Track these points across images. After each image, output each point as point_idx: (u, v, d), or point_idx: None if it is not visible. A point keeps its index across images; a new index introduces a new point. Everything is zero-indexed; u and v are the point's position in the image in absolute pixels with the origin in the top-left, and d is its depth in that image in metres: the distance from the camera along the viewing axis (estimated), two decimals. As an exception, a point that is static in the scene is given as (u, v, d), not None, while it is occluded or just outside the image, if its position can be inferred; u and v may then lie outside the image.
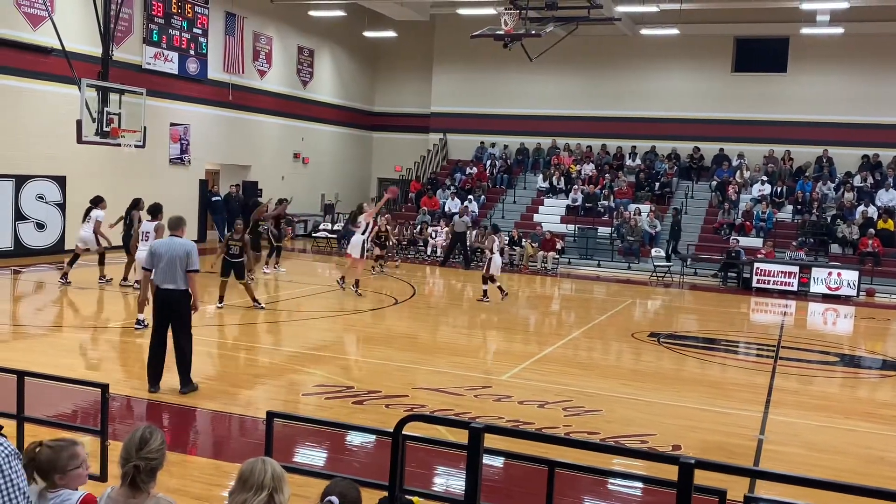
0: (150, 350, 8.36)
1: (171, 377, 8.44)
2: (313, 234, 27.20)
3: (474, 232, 24.10)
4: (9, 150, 18.35)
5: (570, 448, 6.50)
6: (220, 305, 13.47)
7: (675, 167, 27.99)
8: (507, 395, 9.06)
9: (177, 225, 8.70)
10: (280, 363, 10.25)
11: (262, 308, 13.67)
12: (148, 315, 10.23)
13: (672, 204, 26.32)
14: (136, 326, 11.31)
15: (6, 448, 1.56)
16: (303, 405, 8.37)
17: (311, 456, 6.88)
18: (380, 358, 10.76)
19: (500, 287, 16.46)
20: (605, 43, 28.61)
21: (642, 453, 2.45)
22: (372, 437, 7.25)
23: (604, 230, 25.33)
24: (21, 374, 5.53)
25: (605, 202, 26.65)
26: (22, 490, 1.56)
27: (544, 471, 4.24)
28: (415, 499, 3.65)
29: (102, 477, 4.94)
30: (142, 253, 11.25)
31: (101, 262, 15.57)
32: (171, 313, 8.28)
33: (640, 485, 6.26)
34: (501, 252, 17.81)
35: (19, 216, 18.80)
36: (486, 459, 5.80)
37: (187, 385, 8.36)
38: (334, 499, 3.29)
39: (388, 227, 21.12)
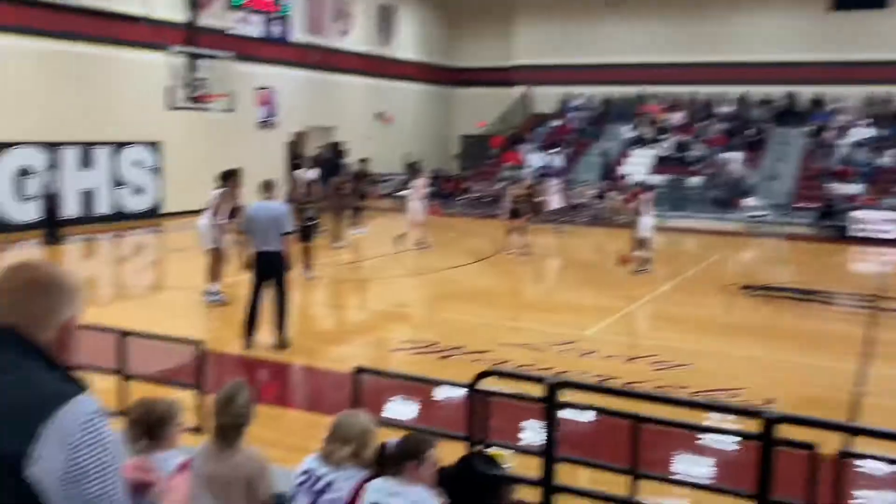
0: (247, 308, 8.63)
1: (264, 335, 8.71)
2: (397, 195, 27.36)
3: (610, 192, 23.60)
4: (105, 117, 19.03)
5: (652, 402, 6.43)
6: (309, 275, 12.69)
7: (769, 113, 26.89)
8: (593, 349, 9.00)
9: (268, 188, 8.83)
10: (367, 321, 10.44)
11: (312, 277, 12.65)
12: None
13: (766, 151, 25.35)
14: (211, 298, 10.78)
15: (92, 405, 1.62)
16: (391, 359, 8.52)
17: (399, 410, 7.01)
18: (464, 314, 10.82)
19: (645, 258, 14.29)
20: (693, -15, 27.52)
21: (721, 407, 2.39)
22: (459, 392, 7.33)
23: (694, 180, 24.63)
24: (123, 333, 5.81)
25: (696, 151, 25.87)
26: (106, 445, 1.63)
27: (628, 425, 4.20)
28: (495, 451, 3.68)
29: (198, 430, 5.16)
30: (202, 220, 10.94)
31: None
32: (270, 274, 8.52)
33: (726, 438, 6.14)
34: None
35: (118, 182, 19.57)
36: (572, 414, 5.80)
37: (283, 342, 8.58)
38: (392, 441, 3.40)
39: (528, 192, 17.50)
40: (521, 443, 5.88)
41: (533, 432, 6.46)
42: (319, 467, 3.43)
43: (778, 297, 12.50)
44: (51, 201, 16.62)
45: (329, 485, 3.35)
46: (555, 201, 20.77)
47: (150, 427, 3.16)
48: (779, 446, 2.14)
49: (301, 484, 3.42)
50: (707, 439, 6.27)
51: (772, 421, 2.02)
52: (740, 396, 7.47)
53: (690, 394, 7.38)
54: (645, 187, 15.72)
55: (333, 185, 17.45)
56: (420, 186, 17.00)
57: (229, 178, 11.16)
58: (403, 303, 11.83)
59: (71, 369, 1.76)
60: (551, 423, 2.20)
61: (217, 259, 10.75)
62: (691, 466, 5.90)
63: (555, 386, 2.17)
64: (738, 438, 4.17)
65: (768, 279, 14.16)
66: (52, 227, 16.44)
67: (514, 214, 16.23)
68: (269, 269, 8.52)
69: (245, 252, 8.94)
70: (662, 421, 4.06)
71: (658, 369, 8.27)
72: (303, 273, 12.29)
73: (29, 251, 15.26)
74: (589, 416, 6.37)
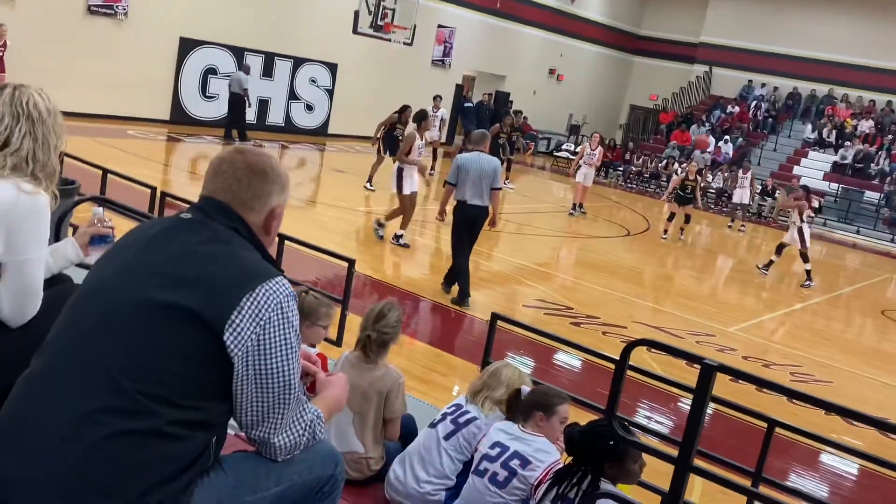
0: (458, 265, 8.43)
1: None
2: (555, 154, 27.12)
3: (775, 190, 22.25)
4: (291, 32, 19.76)
5: (788, 406, 6.18)
6: (369, 186, 13.97)
7: (973, 136, 24.66)
8: (732, 347, 8.71)
9: (481, 140, 8.48)
10: (505, 273, 10.50)
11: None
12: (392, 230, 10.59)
13: (959, 177, 23.32)
14: (394, 241, 10.53)
15: (288, 288, 1.75)
16: (522, 315, 8.55)
17: (523, 364, 7.07)
18: (603, 286, 10.70)
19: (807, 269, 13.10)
20: (915, -14, 25.31)
21: (875, 421, 2.28)
22: (580, 360, 7.32)
23: (871, 195, 23.03)
24: (282, 238, 6.10)
25: (880, 165, 24.11)
26: (294, 327, 1.75)
27: (756, 428, 4.08)
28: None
29: (338, 342, 5.40)
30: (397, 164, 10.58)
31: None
32: (472, 228, 8.33)
33: (862, 462, 5.85)
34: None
35: (293, 96, 20.38)
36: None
37: (464, 298, 8.34)
38: (526, 389, 3.46)
39: (697, 177, 15.84)
40: (649, 424, 5.83)
41: (664, 416, 6.39)
42: (467, 404, 3.58)
43: (941, 334, 11.61)
44: (239, 102, 17.28)
45: (471, 420, 3.49)
46: (743, 195, 19.12)
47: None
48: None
49: (447, 413, 3.57)
50: (836, 456, 6.01)
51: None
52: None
53: (827, 413, 7.04)
54: (808, 192, 14.00)
55: (494, 131, 16.43)
56: (592, 151, 16.52)
57: (423, 120, 10.80)
58: (543, 262, 11.80)
59: (268, 253, 1.90)
60: (701, 406, 2.17)
61: (404, 206, 10.47)
62: (815, 482, 5.68)
63: (713, 368, 2.13)
64: (873, 462, 3.96)
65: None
66: (238, 127, 17.14)
67: (681, 201, 15.28)
68: (474, 222, 8.26)
69: (445, 202, 8.66)
70: (805, 432, 3.92)
71: (797, 380, 7.92)
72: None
73: (210, 147, 16.22)
74: (712, 407, 6.23)
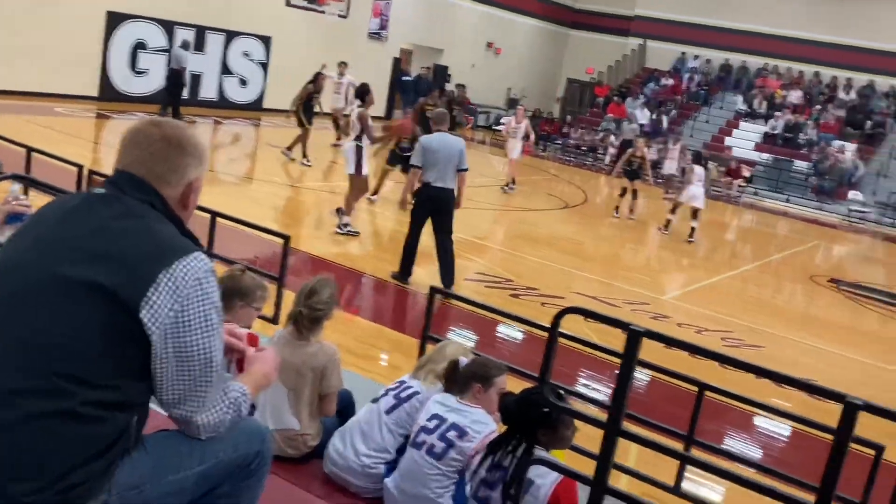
0: (408, 244, 8.17)
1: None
2: (493, 128, 27.18)
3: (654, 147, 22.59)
4: (223, 5, 19.27)
5: (722, 371, 6.36)
6: (372, 198, 11.89)
7: (894, 107, 25.47)
8: (666, 314, 8.90)
9: (443, 119, 8.30)
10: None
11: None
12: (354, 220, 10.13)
13: (882, 146, 24.11)
14: (340, 230, 9.92)
15: (206, 263, 1.70)
16: (462, 289, 8.58)
17: (464, 337, 7.11)
18: (541, 258, 10.80)
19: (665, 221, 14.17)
20: (841, -40, 25.91)
21: (803, 384, 2.34)
22: (521, 332, 7.39)
23: (800, 164, 23.69)
24: (214, 215, 5.98)
25: (808, 135, 24.79)
26: (214, 303, 1.71)
27: (689, 392, 4.18)
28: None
29: (274, 320, 5.34)
30: (347, 143, 10.22)
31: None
32: (438, 212, 8.02)
33: (792, 424, 6.05)
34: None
35: (226, 70, 19.94)
36: (639, 372, 5.79)
37: (450, 285, 7.99)
38: (463, 359, 3.48)
39: (644, 151, 15.48)
40: (582, 390, 5.92)
41: (595, 382, 6.50)
42: (410, 380, 3.59)
43: (866, 297, 12.06)
44: (176, 77, 16.67)
45: (413, 395, 3.50)
46: (671, 166, 19.73)
47: (228, 293, 3.30)
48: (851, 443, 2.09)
49: (391, 389, 3.57)
50: (767, 419, 6.21)
51: (855, 408, 1.98)
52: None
53: (758, 377, 7.25)
54: (699, 158, 14.42)
55: (419, 106, 15.43)
56: (517, 123, 16.57)
57: (366, 94, 10.24)
58: (482, 235, 11.85)
59: (186, 228, 1.85)
60: (628, 372, 2.20)
61: (355, 186, 9.98)
62: (748, 445, 5.86)
63: (639, 334, 2.16)
64: (803, 424, 4.09)
65: (859, 277, 13.66)
66: (174, 103, 16.65)
67: (631, 175, 15.06)
68: (440, 205, 7.97)
69: (409, 187, 8.29)
70: (730, 394, 4.03)
71: (729, 345, 8.14)
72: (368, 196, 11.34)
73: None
74: (649, 375, 6.37)
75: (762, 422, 6.32)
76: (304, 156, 14.23)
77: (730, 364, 2.38)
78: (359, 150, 9.88)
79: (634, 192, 15.08)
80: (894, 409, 2.27)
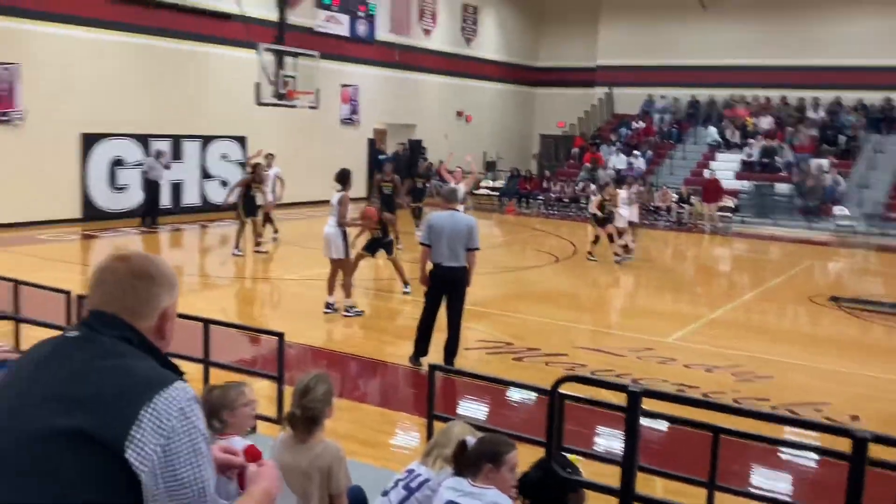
0: (421, 324, 8.05)
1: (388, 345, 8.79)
2: (474, 192, 27.38)
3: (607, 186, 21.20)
4: (195, 112, 19.64)
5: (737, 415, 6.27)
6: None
7: (864, 119, 25.87)
8: (672, 357, 8.83)
9: (453, 197, 8.16)
10: (440, 317, 10.46)
11: (408, 293, 11.37)
12: (339, 298, 10.11)
13: (858, 159, 24.40)
14: (347, 313, 10.07)
15: (188, 392, 1.68)
16: (464, 359, 8.52)
17: (472, 409, 7.02)
18: (540, 315, 10.76)
19: (622, 246, 15.13)
20: (785, -15, 26.61)
21: (811, 423, 2.31)
22: (532, 395, 7.30)
23: (782, 187, 23.89)
24: (206, 322, 5.97)
25: (785, 157, 25.07)
26: (201, 431, 1.69)
27: (708, 436, 4.11)
28: (572, 457, 3.65)
29: (279, 420, 5.27)
30: (327, 228, 10.05)
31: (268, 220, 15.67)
32: (450, 291, 7.90)
33: (811, 455, 5.94)
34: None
35: (205, 174, 20.16)
36: (648, 422, 5.70)
37: (452, 359, 7.91)
38: (470, 438, 3.41)
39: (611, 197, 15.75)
40: (596, 449, 5.82)
41: (609, 439, 6.39)
42: (419, 467, 3.51)
43: (867, 311, 12.02)
44: (152, 189, 17.20)
45: (424, 483, 3.42)
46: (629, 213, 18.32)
47: (212, 410, 3.31)
48: (869, 466, 2.05)
49: (400, 479, 3.49)
50: (789, 455, 6.10)
51: (864, 441, 1.94)
52: (824, 411, 7.21)
53: (772, 407, 7.18)
54: (621, 182, 16.43)
55: (376, 183, 15.18)
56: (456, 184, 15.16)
57: (346, 179, 10.38)
58: (477, 301, 11.80)
59: (167, 356, 1.83)
60: (633, 433, 2.16)
61: (348, 269, 10.17)
62: (772, 482, 5.74)
63: (637, 395, 2.13)
64: (822, 456, 4.02)
65: (858, 291, 13.64)
66: (151, 214, 17.08)
67: (600, 221, 15.55)
68: (450, 285, 7.85)
69: (423, 267, 8.14)
70: (744, 434, 3.96)
71: (739, 380, 8.06)
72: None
73: (126, 239, 15.87)
74: (666, 425, 6.27)
75: (782, 455, 6.20)
76: (237, 246, 14.27)
77: (735, 413, 2.35)
78: (344, 233, 10.02)
79: (611, 237, 15.32)
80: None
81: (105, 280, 1.82)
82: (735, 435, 4.05)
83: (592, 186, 23.92)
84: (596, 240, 15.78)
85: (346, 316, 10.01)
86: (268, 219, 15.63)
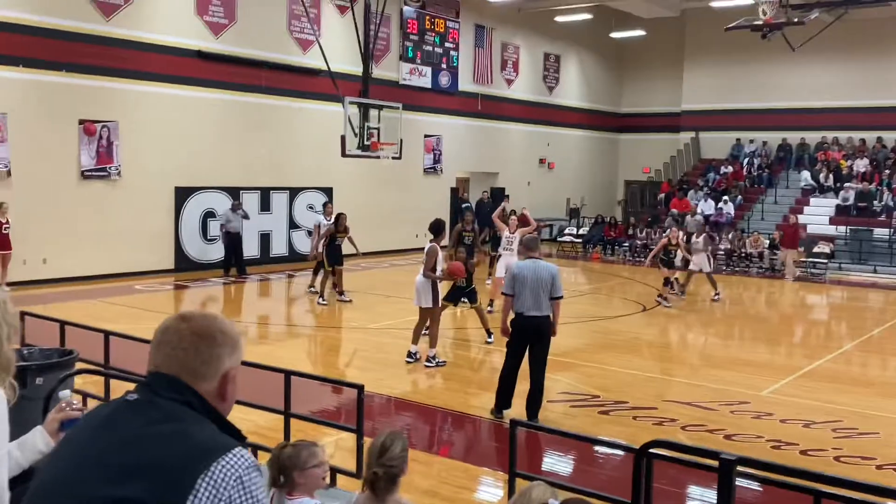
0: (504, 375, 7.93)
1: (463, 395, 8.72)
2: (558, 238, 27.19)
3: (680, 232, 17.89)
4: (284, 164, 20.22)
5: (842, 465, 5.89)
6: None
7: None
8: (769, 412, 8.40)
9: (535, 246, 8.21)
10: (524, 368, 10.26)
11: (491, 342, 11.39)
12: (422, 349, 10.11)
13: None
14: (429, 364, 9.99)
15: (247, 460, 1.62)
16: (548, 412, 8.30)
17: (555, 465, 6.80)
18: (627, 367, 10.45)
19: (679, 286, 16.40)
20: (877, 26, 25.73)
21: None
22: (611, 451, 7.03)
23: (881, 231, 22.83)
24: (287, 374, 5.99)
25: (882, 201, 23.99)
26: (259, 501, 1.62)
27: (808, 499, 3.83)
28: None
29: (358, 474, 5.20)
30: (418, 277, 10.17)
31: (317, 272, 15.59)
32: (534, 341, 7.81)
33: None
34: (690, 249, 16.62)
35: (293, 225, 20.62)
36: (743, 481, 5.39)
37: (535, 416, 7.74)
38: (553, 502, 3.23)
39: (679, 241, 16.17)
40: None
41: (702, 502, 6.07)
42: None
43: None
44: (232, 240, 17.79)
45: None
46: (702, 262, 16.64)
47: (282, 469, 3.29)
48: None
49: None
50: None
51: None
52: (939, 474, 6.70)
53: (878, 466, 6.72)
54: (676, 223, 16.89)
55: (455, 233, 14.76)
56: (510, 235, 13.76)
57: (439, 231, 10.54)
58: (561, 351, 11.57)
59: (227, 421, 1.78)
60: (727, 500, 2.00)
61: (435, 318, 10.21)
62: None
63: (731, 463, 1.97)
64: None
65: (970, 342, 12.79)
66: (235, 265, 17.63)
67: (666, 264, 16.09)
68: (534, 336, 7.75)
69: (505, 316, 8.07)
70: (846, 499, 3.67)
71: (841, 437, 7.59)
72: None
73: (214, 289, 16.30)
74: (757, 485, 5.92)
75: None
76: (321, 294, 14.75)
77: (834, 484, 2.15)
78: (433, 282, 10.09)
79: (666, 280, 16.04)
80: None
81: (167, 341, 1.79)
82: (837, 499, 3.76)
83: (680, 234, 23.35)
84: (666, 282, 15.99)
85: (427, 367, 9.95)
86: (318, 270, 15.52)
